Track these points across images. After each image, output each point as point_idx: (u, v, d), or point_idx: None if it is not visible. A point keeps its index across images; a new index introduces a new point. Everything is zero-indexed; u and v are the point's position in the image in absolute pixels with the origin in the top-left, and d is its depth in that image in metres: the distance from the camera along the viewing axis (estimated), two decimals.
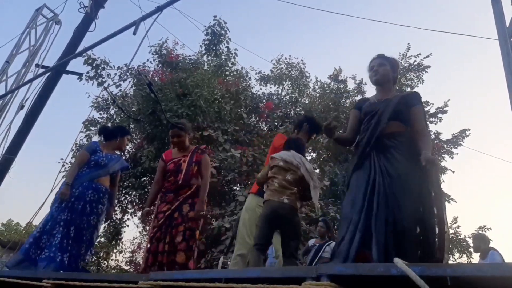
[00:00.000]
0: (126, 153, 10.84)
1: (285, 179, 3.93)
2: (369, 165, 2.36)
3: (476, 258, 5.72)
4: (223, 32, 11.65)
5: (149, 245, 3.24)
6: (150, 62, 11.10)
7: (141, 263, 3.25)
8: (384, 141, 2.39)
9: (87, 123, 10.13)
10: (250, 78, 12.68)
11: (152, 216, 3.44)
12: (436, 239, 2.11)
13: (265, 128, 11.45)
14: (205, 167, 3.56)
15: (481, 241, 5.51)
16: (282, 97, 13.10)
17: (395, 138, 2.40)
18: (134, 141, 11.30)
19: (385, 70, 2.63)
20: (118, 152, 4.23)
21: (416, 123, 2.44)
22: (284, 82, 13.31)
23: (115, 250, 13.24)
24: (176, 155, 3.61)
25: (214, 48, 11.71)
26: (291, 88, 13.31)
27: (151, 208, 3.55)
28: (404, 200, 2.16)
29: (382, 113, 2.45)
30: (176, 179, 3.41)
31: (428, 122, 11.74)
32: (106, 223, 10.29)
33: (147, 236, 11.63)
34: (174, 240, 3.14)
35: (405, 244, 2.07)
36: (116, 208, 10.91)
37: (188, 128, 3.75)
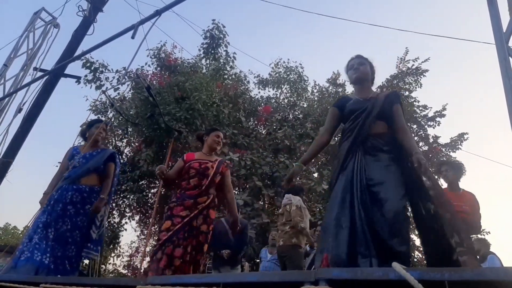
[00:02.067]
0: (124, 157, 10.83)
1: (281, 223, 5.03)
2: (353, 166, 2.33)
3: None
4: (221, 35, 11.69)
5: (163, 247, 3.08)
6: (149, 65, 11.14)
7: (144, 264, 3.16)
8: (371, 141, 2.39)
9: (85, 126, 10.12)
10: (248, 82, 12.73)
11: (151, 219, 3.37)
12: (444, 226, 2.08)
13: (263, 132, 11.47)
14: (230, 183, 3.60)
15: (482, 245, 5.50)
16: (280, 100, 13.12)
17: (381, 138, 2.40)
18: (132, 144, 11.28)
19: (365, 68, 2.65)
20: (108, 147, 4.14)
21: (398, 121, 2.46)
22: (282, 86, 13.34)
23: (112, 254, 13.19)
24: (201, 157, 3.52)
25: (212, 51, 11.73)
26: (289, 91, 13.34)
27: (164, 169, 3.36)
28: (392, 197, 2.15)
29: (371, 112, 2.45)
30: (200, 182, 3.33)
31: (426, 126, 11.80)
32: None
33: (145, 240, 11.47)
34: (189, 250, 3.12)
35: (397, 251, 2.04)
36: (114, 212, 10.88)
37: None
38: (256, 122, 11.75)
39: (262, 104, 12.15)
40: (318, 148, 2.74)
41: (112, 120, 10.59)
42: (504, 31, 2.12)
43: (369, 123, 2.41)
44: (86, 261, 3.89)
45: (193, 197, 3.27)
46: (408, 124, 11.53)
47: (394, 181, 2.22)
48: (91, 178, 3.79)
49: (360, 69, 2.63)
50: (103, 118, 10.75)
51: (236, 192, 9.67)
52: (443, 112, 11.75)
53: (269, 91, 13.51)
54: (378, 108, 2.44)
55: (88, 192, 3.72)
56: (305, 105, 12.90)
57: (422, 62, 12.05)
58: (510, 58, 2.02)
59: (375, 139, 2.39)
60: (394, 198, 2.14)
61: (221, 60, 11.82)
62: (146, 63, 11.20)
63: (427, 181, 2.22)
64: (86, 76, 10.07)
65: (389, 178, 2.23)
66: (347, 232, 2.11)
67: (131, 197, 10.54)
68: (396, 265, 1.23)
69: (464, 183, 4.47)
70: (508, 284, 1.09)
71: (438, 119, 11.77)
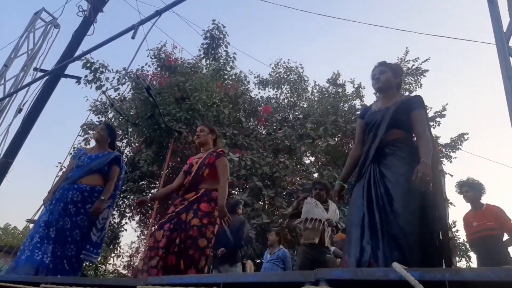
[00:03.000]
0: (124, 157, 10.83)
1: None
2: (367, 175, 2.37)
3: (476, 262, 5.72)
4: (221, 36, 11.69)
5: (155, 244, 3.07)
6: (149, 65, 11.13)
7: (142, 263, 3.09)
8: (384, 149, 2.39)
9: (85, 126, 10.14)
10: (248, 82, 12.73)
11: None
12: (440, 244, 2.10)
13: (263, 132, 11.46)
14: (221, 170, 3.31)
15: None
16: (280, 101, 13.13)
17: (394, 145, 2.39)
18: (132, 145, 11.28)
19: (386, 76, 2.61)
20: (112, 151, 4.15)
21: (415, 127, 2.42)
22: (282, 86, 13.35)
23: (113, 255, 13.19)
24: (194, 157, 3.50)
25: (212, 52, 11.73)
26: (289, 92, 13.35)
27: (148, 199, 3.50)
28: (404, 204, 2.15)
29: (380, 123, 2.45)
30: (186, 181, 3.30)
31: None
32: None
33: (145, 241, 11.51)
34: (177, 242, 3.02)
35: (405, 249, 2.05)
36: (114, 212, 10.88)
37: (213, 129, 3.66)
38: (256, 123, 11.75)
39: (262, 104, 12.15)
40: (354, 161, 2.69)
41: (112, 120, 10.59)
42: (505, 31, 2.12)
43: (381, 135, 2.41)
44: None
45: (181, 195, 3.25)
46: None
47: (406, 189, 2.19)
48: (93, 178, 3.80)
49: (381, 79, 2.61)
50: (103, 119, 10.77)
51: (236, 193, 9.66)
52: (443, 112, 11.75)
53: (269, 91, 13.54)
54: (388, 119, 2.43)
55: (89, 191, 3.73)
56: (305, 105, 12.90)
57: (422, 62, 12.07)
58: (510, 58, 2.02)
59: (388, 147, 2.39)
60: (404, 208, 2.14)
61: (221, 60, 11.82)
62: (146, 64, 11.21)
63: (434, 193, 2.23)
64: (86, 76, 10.07)
65: (401, 187, 2.21)
66: (360, 234, 2.18)
67: (131, 197, 10.54)
68: (396, 265, 1.22)
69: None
70: (509, 284, 1.08)
71: (438, 119, 11.77)
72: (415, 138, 2.48)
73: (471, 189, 4.41)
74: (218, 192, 3.24)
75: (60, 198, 3.61)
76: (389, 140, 2.41)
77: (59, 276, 3.26)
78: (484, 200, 4.43)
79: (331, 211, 4.61)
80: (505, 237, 4.23)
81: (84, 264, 3.75)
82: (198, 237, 3.04)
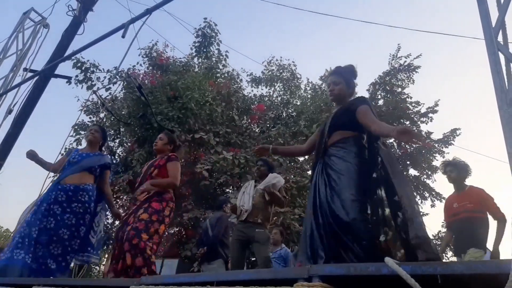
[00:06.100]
0: (116, 157, 10.76)
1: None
2: (315, 179, 2.50)
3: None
4: (213, 34, 11.65)
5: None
6: (140, 65, 11.05)
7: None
8: (329, 151, 2.51)
9: (76, 127, 10.04)
10: (241, 80, 12.69)
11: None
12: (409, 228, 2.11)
13: (257, 130, 11.45)
14: (172, 171, 3.43)
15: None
16: (273, 98, 13.12)
17: (337, 145, 2.49)
18: (125, 144, 11.21)
19: (339, 89, 2.69)
20: (104, 153, 4.24)
21: (363, 120, 2.46)
22: (275, 84, 13.34)
23: (106, 255, 13.12)
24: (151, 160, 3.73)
25: (204, 50, 11.69)
26: (282, 89, 13.35)
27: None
28: (344, 198, 2.22)
29: (324, 128, 2.64)
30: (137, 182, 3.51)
31: (419, 122, 11.86)
32: None
33: None
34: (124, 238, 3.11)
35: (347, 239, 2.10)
36: (107, 213, 10.80)
37: (173, 140, 3.77)
38: (249, 121, 11.73)
39: (255, 103, 12.13)
40: (296, 150, 3.09)
41: (104, 120, 10.51)
42: (493, 26, 2.13)
43: (324, 140, 2.56)
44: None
45: (134, 199, 3.43)
46: (401, 120, 11.62)
47: (347, 187, 2.27)
48: (80, 176, 3.84)
49: (335, 92, 2.71)
50: (94, 119, 10.68)
51: (230, 191, 9.65)
52: (435, 108, 11.83)
53: (262, 89, 13.52)
54: (329, 123, 2.61)
55: (73, 190, 3.76)
56: (298, 103, 12.90)
57: (414, 58, 12.11)
58: (499, 52, 2.03)
59: (332, 148, 2.50)
60: (346, 205, 2.20)
61: (214, 59, 11.78)
62: (137, 63, 11.12)
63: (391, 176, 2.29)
64: (77, 76, 9.96)
65: (342, 185, 2.29)
66: (309, 240, 2.29)
67: (124, 197, 10.48)
68: (388, 260, 1.23)
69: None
70: (500, 277, 1.09)
71: (430, 115, 11.85)
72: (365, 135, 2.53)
73: (455, 169, 4.28)
74: (162, 179, 3.38)
75: (44, 199, 3.66)
76: (333, 142, 2.52)
77: (51, 277, 3.25)
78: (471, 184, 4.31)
79: (264, 181, 4.82)
80: (491, 222, 4.09)
81: (72, 263, 3.80)
82: (142, 230, 3.09)
